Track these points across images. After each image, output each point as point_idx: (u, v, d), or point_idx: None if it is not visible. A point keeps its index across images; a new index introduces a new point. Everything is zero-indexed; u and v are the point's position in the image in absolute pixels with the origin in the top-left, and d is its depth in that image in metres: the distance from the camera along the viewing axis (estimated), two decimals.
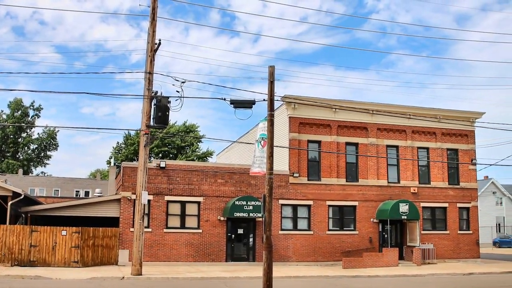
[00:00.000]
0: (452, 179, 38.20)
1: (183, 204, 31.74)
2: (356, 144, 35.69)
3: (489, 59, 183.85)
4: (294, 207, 33.82)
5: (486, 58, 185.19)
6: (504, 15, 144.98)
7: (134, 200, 28.29)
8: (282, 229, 33.20)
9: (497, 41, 75.12)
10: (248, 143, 36.07)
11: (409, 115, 36.25)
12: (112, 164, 56.57)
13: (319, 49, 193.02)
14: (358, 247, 34.32)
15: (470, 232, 38.28)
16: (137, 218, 25.11)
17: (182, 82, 24.05)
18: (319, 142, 34.72)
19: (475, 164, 38.70)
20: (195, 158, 62.15)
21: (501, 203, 77.68)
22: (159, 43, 25.71)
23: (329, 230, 34.25)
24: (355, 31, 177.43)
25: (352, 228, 34.93)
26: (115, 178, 42.54)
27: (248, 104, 18.20)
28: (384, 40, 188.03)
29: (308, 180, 34.13)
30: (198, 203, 31.94)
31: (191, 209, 31.91)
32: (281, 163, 34.19)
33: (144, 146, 25.47)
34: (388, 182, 36.05)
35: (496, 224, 75.91)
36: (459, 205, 38.00)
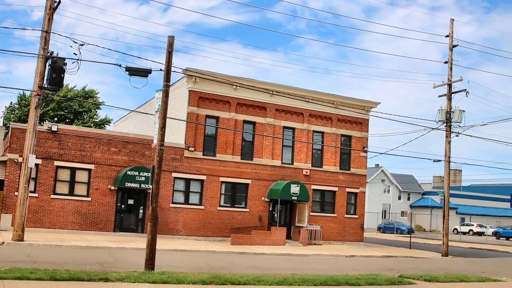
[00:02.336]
0: (343, 164, 39.34)
1: (73, 170, 30.82)
2: (253, 123, 35.92)
3: (392, 52, 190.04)
4: (187, 181, 33.70)
5: (389, 51, 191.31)
6: (409, 12, 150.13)
7: (21, 163, 27.17)
8: (173, 202, 33.02)
9: (401, 36, 77.78)
10: (145, 113, 35.45)
11: (308, 98, 36.86)
12: (1, 124, 54.01)
13: (229, 25, 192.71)
14: (247, 224, 34.71)
15: (356, 216, 39.64)
16: (22, 182, 24.13)
17: (81, 45, 23.14)
18: (217, 118, 34.66)
19: (366, 151, 40.01)
20: (92, 125, 60.50)
21: (388, 190, 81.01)
22: (59, 2, 24.63)
23: (220, 206, 34.41)
24: (267, 11, 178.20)
25: (243, 206, 35.28)
26: (3, 139, 40.69)
27: (143, 72, 17.80)
28: (294, 23, 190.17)
29: (203, 155, 34.07)
30: (89, 170, 31.14)
31: (81, 176, 31.06)
32: (178, 136, 33.92)
33: (35, 107, 24.42)
34: (282, 163, 36.63)
35: (382, 211, 79.15)
36: (348, 189, 39.23)
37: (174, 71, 19.30)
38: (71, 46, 23.57)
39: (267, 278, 16.22)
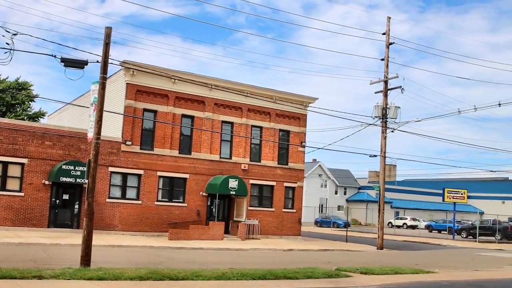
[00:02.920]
0: (281, 159, 39.58)
1: (5, 164, 29.82)
2: (192, 117, 35.68)
3: (330, 48, 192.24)
4: (124, 176, 33.19)
5: (327, 47, 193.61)
6: (347, 9, 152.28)
7: None
8: (110, 197, 32.47)
9: (339, 32, 78.86)
10: (81, 106, 34.66)
11: (247, 93, 36.86)
12: None
13: (168, 18, 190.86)
14: (185, 219, 34.49)
15: (294, 210, 39.97)
16: None
17: (14, 34, 22.36)
18: (155, 112, 34.24)
19: (304, 146, 40.37)
20: (25, 118, 58.77)
21: (325, 185, 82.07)
22: None
23: (158, 201, 34.05)
24: (206, 5, 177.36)
25: (181, 200, 35.02)
26: None
27: (79, 64, 17.32)
28: (233, 17, 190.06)
29: (140, 149, 33.62)
30: (22, 164, 30.23)
31: (14, 171, 30.10)
32: (115, 130, 33.35)
33: None
34: (220, 157, 36.55)
35: (320, 205, 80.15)
36: (286, 184, 39.50)
37: (112, 63, 18.92)
38: (3, 36, 22.76)
39: (205, 273, 16.14)
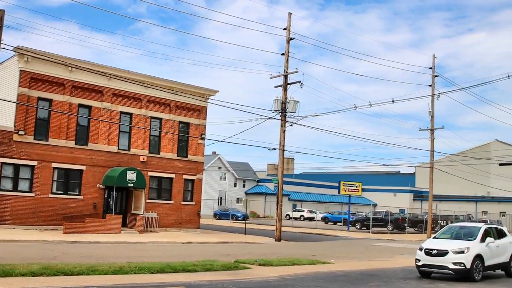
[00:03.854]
0: (181, 151, 39.29)
1: None
2: (89, 107, 34.69)
3: (232, 42, 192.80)
4: (16, 167, 31.76)
5: (229, 41, 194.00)
6: (249, 3, 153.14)
7: None
8: (1, 190, 30.98)
9: (241, 26, 79.31)
10: None
11: (147, 84, 36.27)
12: None
13: (65, 4, 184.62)
14: (82, 212, 33.51)
15: (193, 203, 39.81)
16: None
17: None
18: (50, 101, 32.97)
19: (204, 139, 40.26)
20: None
21: (225, 178, 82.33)
22: None
23: (52, 193, 32.86)
24: None
25: (77, 193, 33.99)
26: None
27: None
28: (134, 6, 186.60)
29: (34, 139, 32.28)
30: None
31: None
32: (7, 119, 31.89)
33: None
34: (119, 149, 35.79)
35: (219, 197, 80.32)
36: (185, 176, 39.27)
37: (4, 49, 18.01)
38: None
39: (102, 267, 15.73)
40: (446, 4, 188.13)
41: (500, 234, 20.35)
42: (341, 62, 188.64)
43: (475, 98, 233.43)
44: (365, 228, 56.00)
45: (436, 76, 46.62)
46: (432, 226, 49.46)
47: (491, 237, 19.31)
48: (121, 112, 36.08)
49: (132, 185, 34.41)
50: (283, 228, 39.15)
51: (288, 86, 36.24)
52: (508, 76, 36.25)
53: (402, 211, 74.14)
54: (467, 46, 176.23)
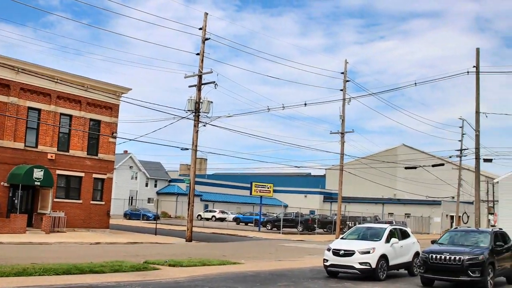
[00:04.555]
0: (91, 149, 38.41)
1: None
2: None
3: (147, 39, 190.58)
4: None
5: (144, 38, 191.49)
6: (165, 1, 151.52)
7: None
8: None
9: (156, 24, 78.08)
10: None
11: (57, 79, 35.22)
12: None
13: None
14: None
15: (103, 203, 39.01)
16: None
17: None
18: None
19: (115, 137, 39.52)
20: None
21: (136, 177, 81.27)
22: None
23: None
24: None
25: None
26: None
27: None
28: None
29: None
30: None
31: None
32: None
33: None
34: (25, 146, 34.55)
35: (130, 197, 79.18)
36: (95, 175, 38.41)
37: None
38: None
39: (4, 269, 15.12)
40: (360, 11, 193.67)
41: (404, 235, 21.08)
42: (257, 64, 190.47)
43: (384, 103, 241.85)
44: (276, 228, 56.64)
45: (347, 81, 47.65)
46: (341, 227, 50.59)
47: (395, 237, 19.96)
48: (29, 108, 34.82)
49: (38, 183, 33.29)
50: (194, 229, 39.00)
51: (203, 86, 36.10)
52: (415, 83, 37.58)
53: (312, 212, 75.64)
54: (378, 53, 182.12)
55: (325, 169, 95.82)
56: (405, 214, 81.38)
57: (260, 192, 57.90)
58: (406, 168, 61.86)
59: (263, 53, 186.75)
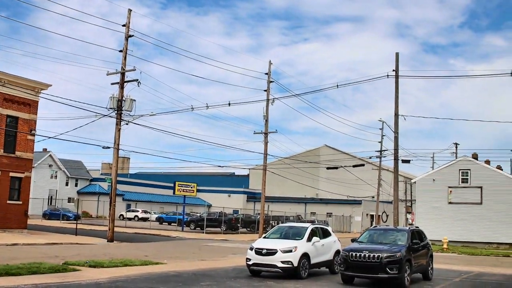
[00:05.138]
0: (8, 147, 37.08)
1: None
2: None
3: (69, 34, 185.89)
4: None
5: (65, 33, 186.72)
6: None
7: None
8: None
9: (78, 19, 76.36)
10: None
11: None
12: None
13: None
14: None
15: (20, 202, 37.79)
16: None
17: None
18: None
19: (34, 134, 38.29)
20: None
21: (56, 176, 79.19)
22: None
23: None
24: None
25: None
26: None
27: None
28: None
29: None
30: None
31: None
32: None
33: None
34: None
35: (49, 197, 77.08)
36: (12, 174, 37.14)
37: None
38: None
39: None
40: (285, 13, 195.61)
41: (326, 234, 21.42)
42: (182, 63, 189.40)
43: (307, 105, 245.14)
44: (199, 228, 56.44)
45: (271, 81, 47.94)
46: (264, 226, 50.89)
47: (317, 236, 20.25)
48: None
49: None
50: (116, 229, 38.35)
51: (125, 84, 35.50)
52: (337, 85, 38.36)
53: (236, 211, 75.81)
54: (302, 55, 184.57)
55: (249, 169, 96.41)
56: (327, 213, 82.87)
57: (183, 191, 57.58)
58: (328, 168, 63.06)
59: (188, 52, 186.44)
